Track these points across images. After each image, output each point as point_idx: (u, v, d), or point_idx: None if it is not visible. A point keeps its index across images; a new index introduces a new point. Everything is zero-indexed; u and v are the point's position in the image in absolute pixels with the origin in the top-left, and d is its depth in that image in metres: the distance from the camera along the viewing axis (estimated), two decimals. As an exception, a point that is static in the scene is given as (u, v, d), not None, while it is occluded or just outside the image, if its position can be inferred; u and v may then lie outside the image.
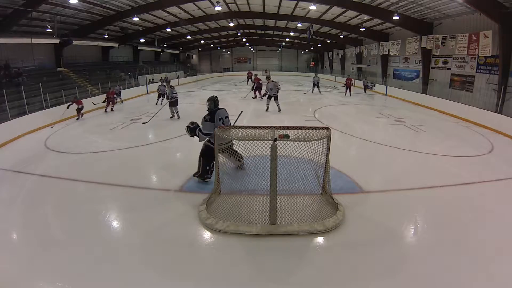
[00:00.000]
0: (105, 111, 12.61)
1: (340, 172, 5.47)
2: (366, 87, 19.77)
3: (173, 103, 10.52)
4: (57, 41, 15.76)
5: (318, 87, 18.03)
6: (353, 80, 18.20)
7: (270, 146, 3.51)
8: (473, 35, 12.32)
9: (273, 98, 11.54)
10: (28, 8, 11.89)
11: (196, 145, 7.91)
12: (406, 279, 2.92)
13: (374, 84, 20.72)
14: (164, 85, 13.55)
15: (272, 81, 11.69)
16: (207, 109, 5.00)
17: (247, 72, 26.38)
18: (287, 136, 3.64)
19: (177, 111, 10.69)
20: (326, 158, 4.12)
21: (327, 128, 4.02)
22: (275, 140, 3.50)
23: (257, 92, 15.52)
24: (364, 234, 3.66)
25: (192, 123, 4.88)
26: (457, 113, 11.66)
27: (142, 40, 24.89)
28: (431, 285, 2.86)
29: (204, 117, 4.83)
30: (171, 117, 10.59)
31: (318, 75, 19.91)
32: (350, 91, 17.44)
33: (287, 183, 4.00)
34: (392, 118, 11.09)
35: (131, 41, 23.84)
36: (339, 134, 8.39)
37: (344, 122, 10.29)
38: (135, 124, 10.00)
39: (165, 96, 12.64)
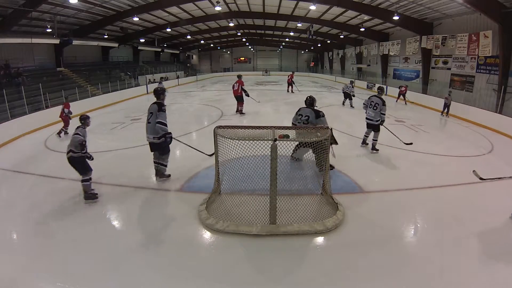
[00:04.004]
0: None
1: (340, 172, 5.47)
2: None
3: None
4: (57, 41, 15.75)
5: (350, 99, 13.10)
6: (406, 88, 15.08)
7: (270, 146, 3.51)
8: (473, 35, 12.32)
9: None
10: (28, 8, 11.87)
11: (196, 145, 7.90)
12: (406, 279, 2.92)
13: (374, 84, 20.72)
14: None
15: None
16: None
17: (289, 75, 19.52)
18: (287, 136, 3.65)
19: None
20: (326, 158, 4.12)
21: (327, 128, 4.02)
22: (275, 140, 3.50)
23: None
24: (364, 234, 3.66)
25: None
26: (457, 113, 11.66)
27: (142, 40, 24.87)
28: (431, 285, 2.86)
29: None
30: None
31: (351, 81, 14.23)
32: (405, 99, 15.04)
33: (287, 183, 4.00)
34: (392, 118, 11.08)
35: (131, 41, 23.82)
36: (339, 134, 8.38)
37: (344, 122, 10.28)
38: (135, 124, 9.99)
39: None
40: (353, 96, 13.25)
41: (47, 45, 16.03)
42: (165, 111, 4.76)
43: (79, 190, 4.54)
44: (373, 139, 6.64)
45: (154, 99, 4.99)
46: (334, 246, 3.45)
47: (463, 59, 13.57)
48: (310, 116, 5.09)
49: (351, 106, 13.09)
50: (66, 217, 4.09)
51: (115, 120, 10.77)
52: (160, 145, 4.86)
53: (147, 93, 19.54)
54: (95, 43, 19.87)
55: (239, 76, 11.22)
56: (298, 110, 5.33)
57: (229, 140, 3.77)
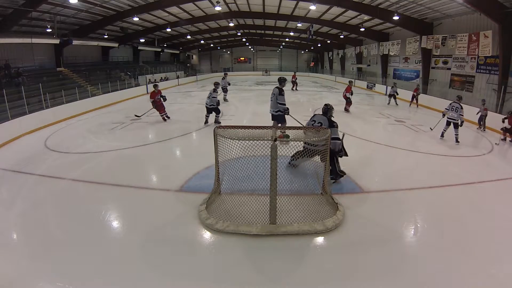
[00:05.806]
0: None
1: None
2: None
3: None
4: (57, 41, 15.74)
5: (395, 98, 14.66)
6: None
7: (270, 146, 3.51)
8: (473, 35, 12.32)
9: None
10: (28, 8, 11.88)
11: (196, 145, 7.92)
12: (406, 279, 2.92)
13: (374, 84, 20.74)
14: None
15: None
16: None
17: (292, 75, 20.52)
18: (287, 136, 3.65)
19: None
20: (326, 158, 4.12)
21: (327, 128, 4.03)
22: (275, 140, 3.50)
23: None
24: (364, 234, 3.66)
25: None
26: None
27: (142, 40, 24.88)
28: (431, 285, 2.86)
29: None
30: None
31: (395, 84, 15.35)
32: (416, 102, 14.38)
33: (287, 183, 4.00)
34: (392, 118, 11.09)
35: (131, 41, 23.83)
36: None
37: (344, 122, 10.26)
38: (135, 124, 10.00)
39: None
40: (397, 94, 14.71)
41: (47, 45, 16.02)
42: (284, 95, 6.89)
43: (78, 189, 4.51)
44: (455, 134, 7.86)
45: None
46: (334, 246, 3.45)
47: (463, 59, 13.57)
48: (323, 123, 5.06)
49: (396, 104, 14.59)
50: (66, 217, 4.09)
51: (115, 120, 10.77)
52: (278, 116, 7.05)
53: (147, 93, 19.51)
54: (95, 43, 19.86)
55: (350, 82, 12.75)
56: (313, 116, 5.39)
57: (229, 140, 3.77)
